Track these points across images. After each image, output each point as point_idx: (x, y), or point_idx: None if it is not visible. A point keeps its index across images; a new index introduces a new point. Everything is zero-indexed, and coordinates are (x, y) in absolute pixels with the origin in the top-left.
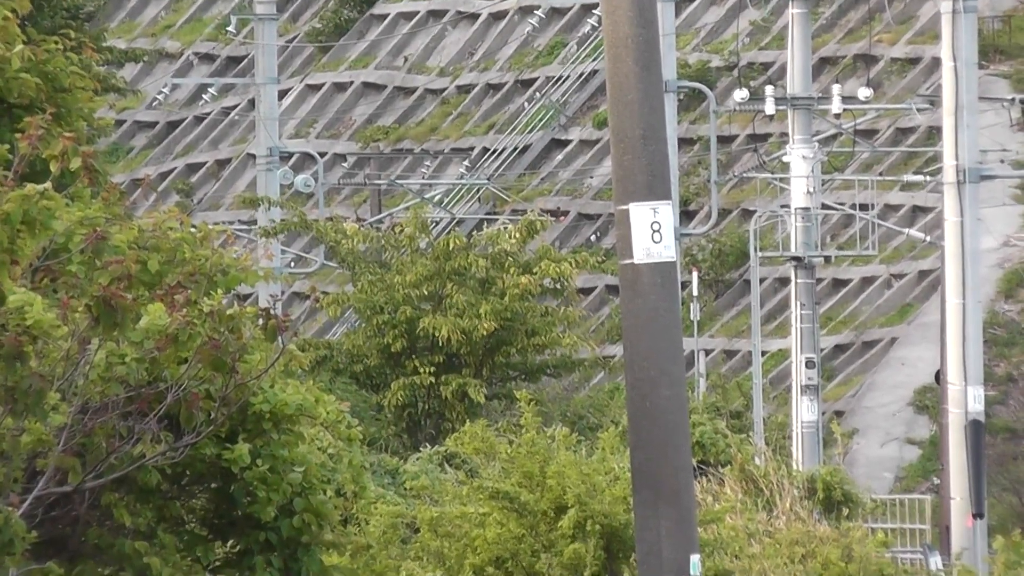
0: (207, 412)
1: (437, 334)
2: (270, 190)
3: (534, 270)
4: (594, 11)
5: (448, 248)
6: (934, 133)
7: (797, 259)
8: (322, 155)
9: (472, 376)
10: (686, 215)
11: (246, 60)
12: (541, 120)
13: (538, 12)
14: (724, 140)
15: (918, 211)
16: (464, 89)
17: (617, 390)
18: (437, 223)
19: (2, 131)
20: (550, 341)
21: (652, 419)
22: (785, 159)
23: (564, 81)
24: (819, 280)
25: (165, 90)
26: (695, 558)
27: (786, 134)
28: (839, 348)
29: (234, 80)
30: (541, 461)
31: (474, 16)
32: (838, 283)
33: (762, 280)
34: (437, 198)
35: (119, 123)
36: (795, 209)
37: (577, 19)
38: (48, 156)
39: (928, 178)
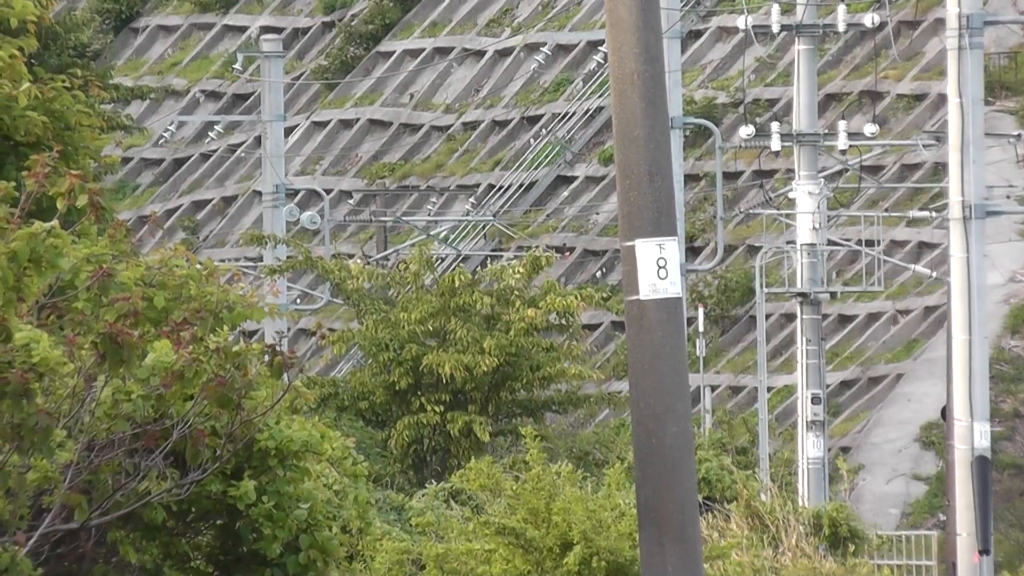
0: (213, 449)
1: (440, 371)
2: (276, 227)
3: (539, 304)
4: (600, 47)
5: (453, 284)
6: (940, 169)
7: (803, 295)
8: (328, 192)
9: (478, 412)
10: (692, 251)
11: (252, 97)
12: (547, 156)
13: (544, 49)
14: (730, 176)
15: (924, 247)
16: (470, 126)
17: (623, 426)
18: (443, 259)
19: (9, 169)
20: (556, 373)
21: (658, 455)
22: (791, 195)
23: (570, 117)
24: (825, 316)
25: (171, 127)
26: None
27: (792, 170)
28: (845, 384)
29: (240, 117)
30: (547, 497)
31: (480, 53)
32: (844, 319)
33: (768, 316)
34: (443, 235)
35: (125, 160)
36: (801, 245)
37: (583, 56)
38: (55, 194)
39: (934, 214)
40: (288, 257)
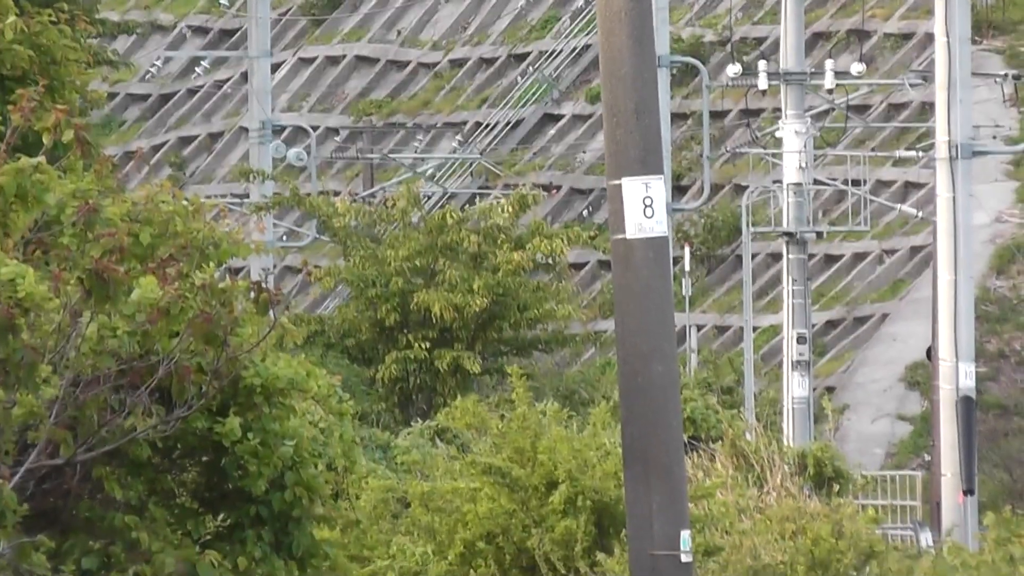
0: (198, 385)
1: (430, 310)
2: (263, 163)
3: (526, 246)
4: None
5: (444, 222)
6: (927, 109)
7: (789, 234)
8: (315, 129)
9: (464, 350)
10: (678, 190)
11: (239, 33)
12: (534, 94)
13: None
14: (717, 115)
15: (910, 187)
16: (457, 63)
17: (609, 365)
18: (429, 198)
19: None
20: (543, 314)
21: (643, 394)
22: (778, 134)
23: (557, 55)
24: (811, 256)
25: (158, 63)
26: (685, 533)
27: (779, 109)
28: (831, 324)
29: (227, 53)
30: (532, 436)
31: None
32: (830, 259)
33: (754, 255)
34: (429, 172)
35: (112, 96)
36: (787, 184)
37: None
38: (41, 128)
39: (920, 154)
40: (275, 194)
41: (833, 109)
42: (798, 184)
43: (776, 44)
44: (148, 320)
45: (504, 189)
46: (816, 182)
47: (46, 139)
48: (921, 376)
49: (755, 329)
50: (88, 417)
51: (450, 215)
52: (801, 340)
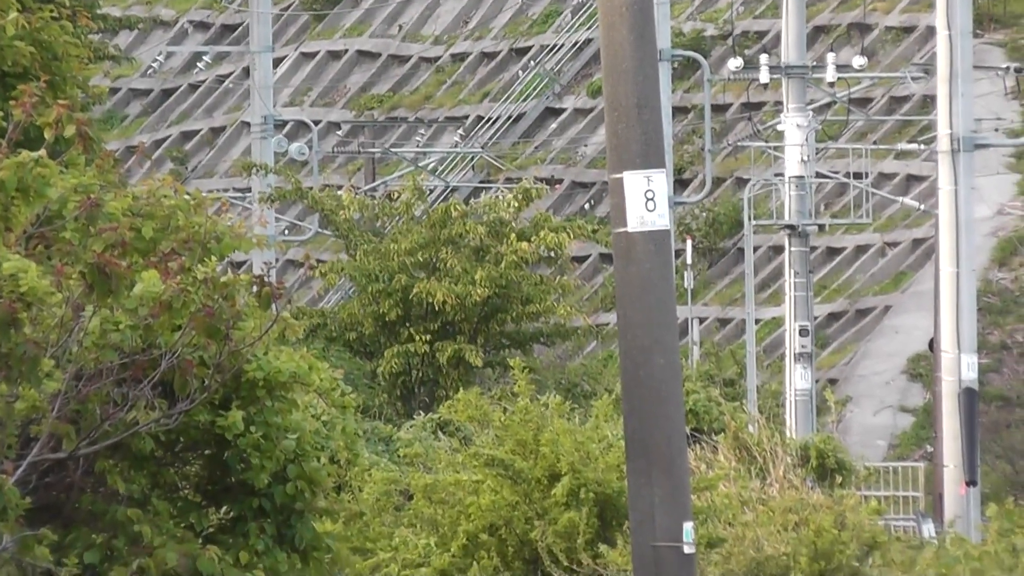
0: (201, 379)
1: (432, 299)
2: (264, 158)
3: (532, 239)
4: None
5: (448, 215)
6: (928, 102)
7: (791, 227)
8: (316, 123)
9: (467, 343)
10: (680, 184)
11: (240, 28)
12: (535, 89)
13: None
14: (718, 109)
15: (912, 180)
16: (458, 57)
17: (611, 358)
18: (431, 191)
19: None
20: (544, 309)
21: (645, 387)
22: (779, 128)
23: (558, 50)
24: (813, 248)
25: (160, 58)
26: (688, 525)
27: (780, 103)
28: (833, 316)
29: (229, 48)
30: (535, 429)
31: None
32: (832, 251)
33: (756, 248)
34: (431, 166)
35: (113, 91)
36: (789, 178)
37: None
38: (42, 123)
39: (922, 147)
40: (278, 187)
41: (835, 102)
42: (800, 177)
43: (777, 38)
44: (150, 314)
45: (505, 183)
46: (818, 175)
47: (48, 134)
48: (923, 368)
49: (757, 322)
50: (91, 411)
51: (455, 207)
52: (803, 332)
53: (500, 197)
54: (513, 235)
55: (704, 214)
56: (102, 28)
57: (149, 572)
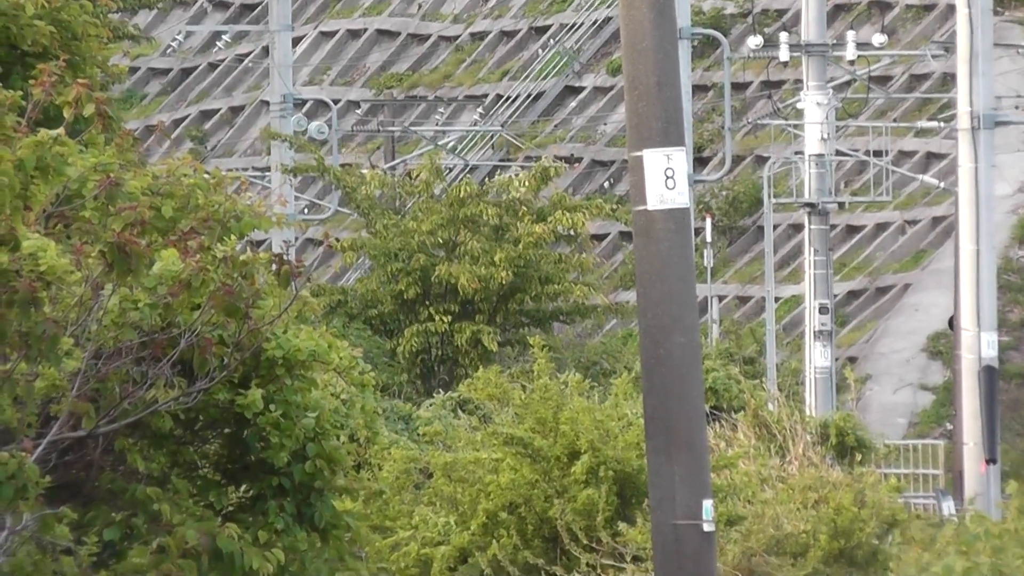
0: (220, 358)
1: (455, 282)
2: None
3: (548, 219)
4: None
5: (460, 195)
6: (949, 79)
7: (811, 205)
8: (336, 102)
9: (486, 323)
10: (700, 162)
11: (260, 7)
12: (555, 67)
13: None
14: (738, 87)
15: (932, 157)
16: (478, 36)
17: (630, 336)
18: (451, 170)
19: (15, 79)
20: (563, 289)
21: (665, 365)
22: (799, 106)
23: (578, 28)
24: (833, 226)
25: (179, 37)
26: (708, 503)
27: (800, 81)
28: (852, 294)
29: (248, 27)
30: (554, 407)
31: None
32: (852, 229)
33: (776, 226)
34: (451, 145)
35: (133, 70)
36: (809, 156)
37: None
38: (62, 103)
39: (942, 124)
40: (301, 163)
41: (855, 80)
42: (820, 155)
43: (797, 16)
44: (170, 293)
45: (525, 161)
46: (838, 153)
47: (67, 113)
48: (943, 346)
49: (777, 300)
50: (110, 389)
51: (466, 187)
52: (823, 310)
53: (514, 177)
54: (528, 217)
55: (724, 192)
56: (121, 7)
57: (169, 550)
